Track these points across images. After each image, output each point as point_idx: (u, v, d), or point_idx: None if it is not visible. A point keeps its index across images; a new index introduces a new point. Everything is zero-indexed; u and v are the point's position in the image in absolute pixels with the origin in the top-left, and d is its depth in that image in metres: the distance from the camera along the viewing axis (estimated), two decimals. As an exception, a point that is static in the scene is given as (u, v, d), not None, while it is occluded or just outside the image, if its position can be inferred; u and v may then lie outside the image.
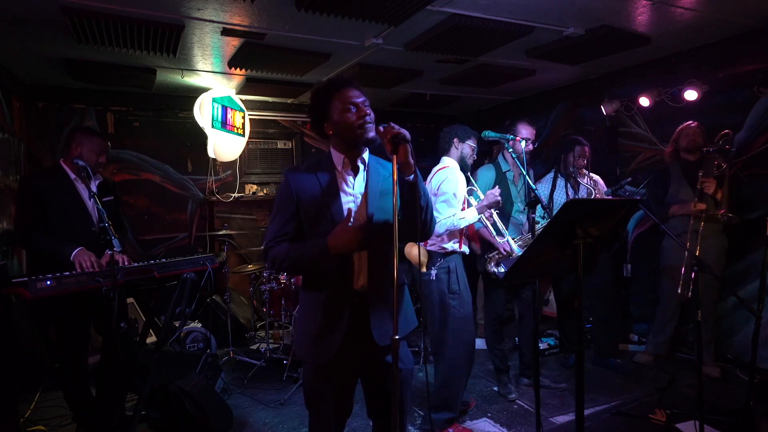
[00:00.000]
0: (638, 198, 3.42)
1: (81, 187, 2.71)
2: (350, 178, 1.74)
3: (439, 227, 2.72)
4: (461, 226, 2.78)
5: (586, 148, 3.62)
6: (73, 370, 2.66)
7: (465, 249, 2.92)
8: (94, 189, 2.67)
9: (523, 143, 2.89)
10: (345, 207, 1.69)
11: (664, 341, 3.81)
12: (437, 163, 2.99)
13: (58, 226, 2.59)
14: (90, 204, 2.71)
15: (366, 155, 1.77)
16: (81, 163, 2.53)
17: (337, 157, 1.74)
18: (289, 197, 1.71)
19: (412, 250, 2.93)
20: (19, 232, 2.62)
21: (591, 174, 3.67)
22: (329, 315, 1.70)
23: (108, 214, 2.52)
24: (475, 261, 3.35)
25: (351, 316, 1.69)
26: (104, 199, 2.73)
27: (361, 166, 1.75)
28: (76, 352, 2.66)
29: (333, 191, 1.70)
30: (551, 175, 3.72)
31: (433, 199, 2.73)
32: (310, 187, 1.71)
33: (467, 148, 2.92)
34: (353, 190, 1.74)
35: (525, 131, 3.19)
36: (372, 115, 1.68)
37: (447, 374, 2.80)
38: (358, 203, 1.73)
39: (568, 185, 3.62)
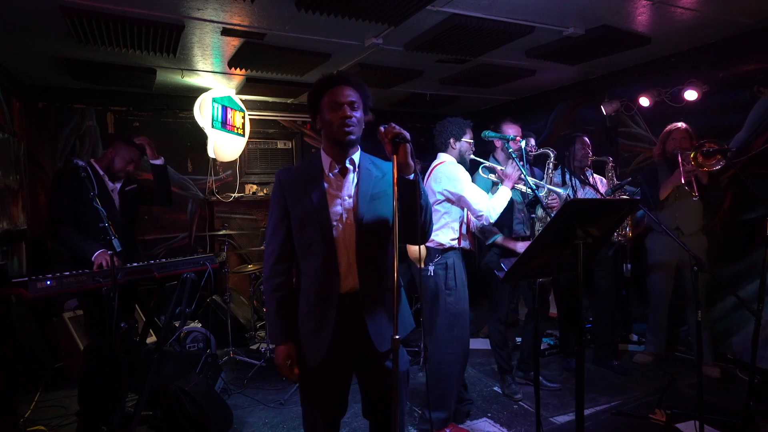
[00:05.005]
0: (638, 198, 3.46)
1: (110, 184, 2.88)
2: (338, 182, 1.71)
3: (494, 213, 2.70)
4: (504, 206, 2.76)
5: (585, 138, 3.64)
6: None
7: (465, 244, 2.84)
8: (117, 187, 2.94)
9: (523, 143, 2.87)
10: (332, 212, 1.67)
11: (661, 341, 3.80)
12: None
13: (86, 219, 2.73)
14: (117, 201, 2.89)
15: (357, 156, 1.74)
16: (81, 163, 2.55)
17: (326, 160, 1.72)
18: (278, 199, 1.71)
19: (413, 247, 2.90)
20: (50, 225, 2.77)
21: (594, 174, 3.69)
22: (317, 319, 1.69)
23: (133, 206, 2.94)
24: (475, 260, 3.33)
25: (340, 320, 1.67)
26: (128, 188, 3.00)
27: (350, 168, 1.72)
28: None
29: (320, 196, 1.67)
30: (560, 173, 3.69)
31: (463, 193, 2.71)
32: (298, 190, 1.69)
33: (464, 144, 2.84)
34: (341, 194, 1.70)
35: (511, 130, 3.11)
36: (357, 117, 1.64)
37: (439, 372, 2.75)
38: (347, 207, 1.69)
39: (575, 181, 3.61)
